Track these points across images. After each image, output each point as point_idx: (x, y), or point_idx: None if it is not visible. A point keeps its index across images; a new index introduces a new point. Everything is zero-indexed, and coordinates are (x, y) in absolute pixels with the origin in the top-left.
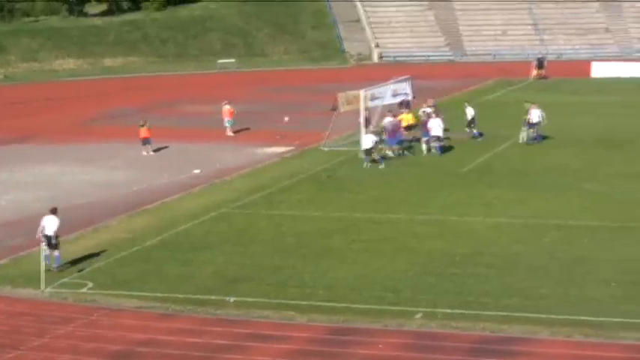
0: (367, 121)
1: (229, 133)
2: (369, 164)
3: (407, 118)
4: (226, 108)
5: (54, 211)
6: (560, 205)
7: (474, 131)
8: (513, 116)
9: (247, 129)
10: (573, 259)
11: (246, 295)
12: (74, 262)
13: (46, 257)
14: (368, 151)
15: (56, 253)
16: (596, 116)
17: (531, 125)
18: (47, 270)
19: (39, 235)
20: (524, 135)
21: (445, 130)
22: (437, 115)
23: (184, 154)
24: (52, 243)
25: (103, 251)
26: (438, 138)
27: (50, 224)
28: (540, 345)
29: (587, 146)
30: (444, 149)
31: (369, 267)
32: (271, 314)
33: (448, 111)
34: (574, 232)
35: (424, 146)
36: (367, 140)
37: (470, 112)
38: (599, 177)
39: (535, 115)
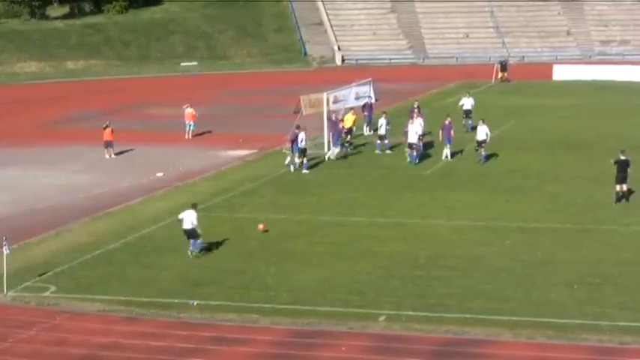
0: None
1: (188, 136)
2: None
3: (350, 119)
4: (188, 111)
5: (194, 207)
6: (522, 208)
7: (469, 122)
8: (477, 118)
9: (209, 132)
10: (536, 262)
11: (210, 298)
12: (36, 265)
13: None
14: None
15: (199, 241)
16: (558, 119)
17: (478, 143)
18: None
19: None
20: (447, 152)
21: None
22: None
23: (147, 157)
24: (196, 233)
25: (66, 254)
26: (410, 145)
27: (189, 217)
28: (503, 347)
29: (550, 149)
30: (419, 157)
31: (332, 270)
32: (235, 317)
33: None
34: (536, 235)
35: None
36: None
37: (469, 102)
38: (561, 179)
39: (482, 132)
